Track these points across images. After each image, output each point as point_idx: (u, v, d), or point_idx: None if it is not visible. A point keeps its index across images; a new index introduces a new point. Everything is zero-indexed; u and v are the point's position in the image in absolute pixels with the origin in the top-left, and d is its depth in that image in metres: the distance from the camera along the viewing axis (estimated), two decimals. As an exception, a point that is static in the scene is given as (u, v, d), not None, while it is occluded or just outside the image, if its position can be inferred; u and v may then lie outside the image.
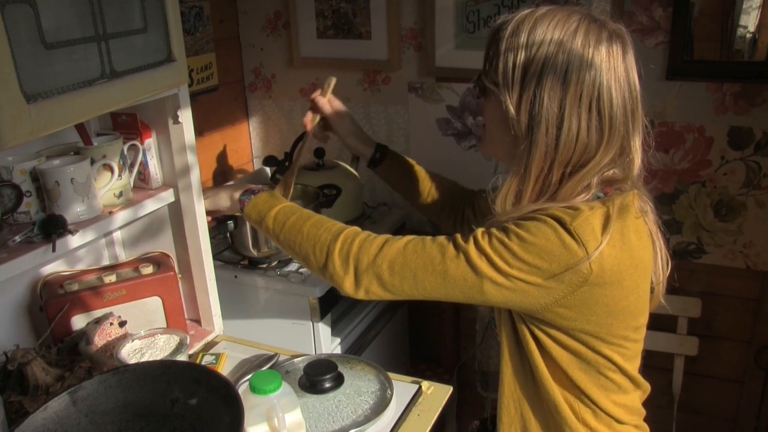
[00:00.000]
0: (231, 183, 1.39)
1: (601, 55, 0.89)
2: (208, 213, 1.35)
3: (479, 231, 0.94)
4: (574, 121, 0.90)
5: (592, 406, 1.00)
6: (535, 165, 0.93)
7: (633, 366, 1.02)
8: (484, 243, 0.92)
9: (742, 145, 1.69)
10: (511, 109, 0.92)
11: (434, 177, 1.40)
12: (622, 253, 0.91)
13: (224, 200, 1.29)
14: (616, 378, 1.00)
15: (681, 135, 1.73)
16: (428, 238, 0.98)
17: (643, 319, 1.01)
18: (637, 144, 0.94)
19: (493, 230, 0.93)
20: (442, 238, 0.96)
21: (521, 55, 0.91)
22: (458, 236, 0.95)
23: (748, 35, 1.64)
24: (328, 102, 1.32)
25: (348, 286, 1.00)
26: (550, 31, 0.90)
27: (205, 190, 1.35)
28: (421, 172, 1.39)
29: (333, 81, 1.32)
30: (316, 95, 1.32)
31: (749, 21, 1.63)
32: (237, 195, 1.21)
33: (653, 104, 1.73)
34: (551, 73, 0.89)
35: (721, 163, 1.72)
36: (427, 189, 1.39)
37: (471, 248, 0.92)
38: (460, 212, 1.36)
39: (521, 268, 0.90)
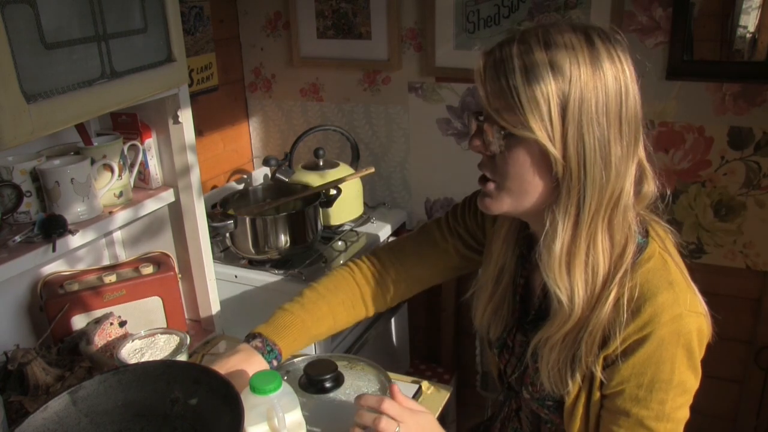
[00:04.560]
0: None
1: (623, 66, 0.84)
2: None
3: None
4: (618, 141, 0.84)
5: None
6: (590, 202, 0.85)
7: None
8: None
9: (742, 145, 1.69)
10: (553, 150, 0.82)
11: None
12: None
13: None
14: None
15: (681, 135, 1.73)
16: None
17: None
18: (641, 148, 0.89)
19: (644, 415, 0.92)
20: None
21: (552, 90, 0.81)
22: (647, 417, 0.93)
23: (748, 35, 1.64)
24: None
25: None
26: (568, 56, 0.82)
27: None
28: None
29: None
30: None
31: (749, 21, 1.63)
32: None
33: (653, 104, 1.73)
34: (591, 98, 0.82)
35: (721, 163, 1.72)
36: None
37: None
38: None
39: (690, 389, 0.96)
